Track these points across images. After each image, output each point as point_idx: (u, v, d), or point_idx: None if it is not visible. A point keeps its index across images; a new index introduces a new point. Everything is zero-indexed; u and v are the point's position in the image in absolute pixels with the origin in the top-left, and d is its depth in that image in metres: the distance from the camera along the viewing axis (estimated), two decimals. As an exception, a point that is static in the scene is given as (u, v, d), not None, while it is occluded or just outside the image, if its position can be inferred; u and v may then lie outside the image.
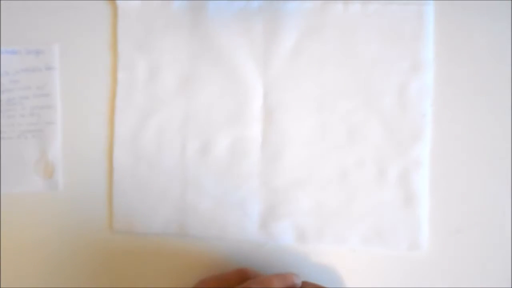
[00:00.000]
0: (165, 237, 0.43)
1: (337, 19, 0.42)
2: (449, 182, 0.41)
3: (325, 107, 0.42)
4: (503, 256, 0.41)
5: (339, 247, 0.42)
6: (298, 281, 0.37)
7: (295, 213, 0.42)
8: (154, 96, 0.43)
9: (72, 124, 0.44)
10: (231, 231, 0.42)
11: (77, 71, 0.44)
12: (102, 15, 0.44)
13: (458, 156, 0.42)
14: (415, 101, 0.42)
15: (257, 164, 0.43)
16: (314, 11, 0.42)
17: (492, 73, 0.42)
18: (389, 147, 0.42)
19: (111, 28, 0.44)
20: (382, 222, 0.41)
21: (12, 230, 0.44)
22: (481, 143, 0.42)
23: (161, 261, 0.43)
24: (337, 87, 0.42)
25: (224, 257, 0.43)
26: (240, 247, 0.42)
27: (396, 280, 0.42)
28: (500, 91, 0.42)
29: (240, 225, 0.42)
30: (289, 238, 0.42)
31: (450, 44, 0.42)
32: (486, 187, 0.41)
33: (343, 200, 0.42)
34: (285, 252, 0.42)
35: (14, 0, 0.45)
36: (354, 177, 0.42)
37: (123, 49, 0.43)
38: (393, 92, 0.42)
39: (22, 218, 0.44)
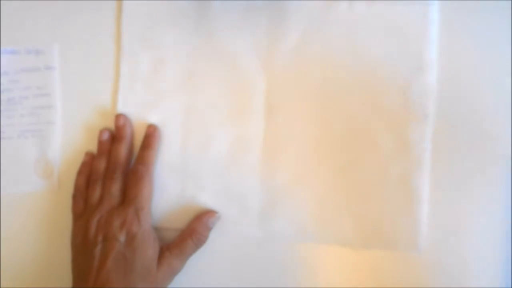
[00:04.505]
0: (164, 231, 0.42)
1: (341, 18, 0.42)
2: (449, 182, 0.41)
3: (327, 105, 0.42)
4: (502, 256, 0.41)
5: (338, 246, 0.42)
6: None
7: (295, 210, 0.42)
8: (156, 91, 0.43)
9: (72, 124, 0.44)
10: (230, 227, 0.42)
11: (77, 71, 0.44)
12: (105, 10, 0.44)
13: (458, 157, 0.42)
14: (418, 101, 0.41)
15: (258, 161, 0.43)
16: (319, 10, 0.42)
17: (495, 74, 0.42)
18: (390, 147, 0.42)
19: (115, 23, 0.44)
20: (381, 221, 0.41)
21: (12, 230, 0.44)
22: (482, 143, 0.42)
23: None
24: (339, 85, 0.42)
25: (222, 252, 0.43)
26: (238, 243, 0.42)
27: (396, 280, 0.41)
28: (503, 92, 0.42)
29: (240, 220, 0.42)
30: (288, 235, 0.42)
31: (454, 45, 0.42)
32: (486, 187, 0.41)
33: (343, 199, 0.42)
34: (284, 250, 0.42)
35: (14, 0, 0.44)
36: (355, 176, 0.42)
37: (127, 43, 0.44)
38: (396, 91, 0.42)
39: (22, 218, 0.44)
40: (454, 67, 0.42)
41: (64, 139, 0.44)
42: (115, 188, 0.41)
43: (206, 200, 0.43)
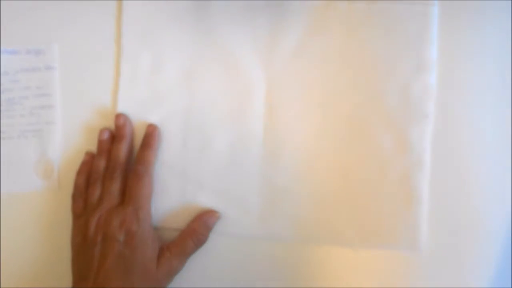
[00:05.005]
0: (164, 231, 0.42)
1: (341, 18, 0.42)
2: (449, 182, 0.41)
3: (327, 105, 0.42)
4: (502, 256, 0.41)
5: (338, 246, 0.42)
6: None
7: (295, 210, 0.42)
8: (156, 90, 0.43)
9: (72, 124, 0.44)
10: (230, 227, 0.42)
11: (77, 71, 0.44)
12: (105, 10, 0.44)
13: (458, 157, 0.42)
14: (418, 101, 0.42)
15: (258, 161, 0.43)
16: (319, 9, 0.42)
17: (495, 74, 0.42)
18: (390, 147, 0.42)
19: (115, 23, 0.44)
20: (382, 221, 0.41)
21: (12, 230, 0.44)
22: (482, 144, 0.42)
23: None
24: (339, 85, 0.42)
25: (222, 252, 0.42)
26: (238, 243, 0.42)
27: (395, 280, 0.42)
28: (502, 92, 0.42)
29: (240, 221, 0.42)
30: (288, 235, 0.42)
31: (454, 45, 0.42)
32: (486, 187, 0.41)
33: (343, 199, 0.42)
34: (284, 250, 0.42)
35: (14, 0, 0.45)
36: (355, 176, 0.42)
37: (127, 43, 0.44)
38: (396, 91, 0.42)
39: (22, 218, 0.44)
40: (454, 67, 0.42)
41: (64, 139, 0.44)
42: (115, 187, 0.41)
43: (206, 200, 0.43)
